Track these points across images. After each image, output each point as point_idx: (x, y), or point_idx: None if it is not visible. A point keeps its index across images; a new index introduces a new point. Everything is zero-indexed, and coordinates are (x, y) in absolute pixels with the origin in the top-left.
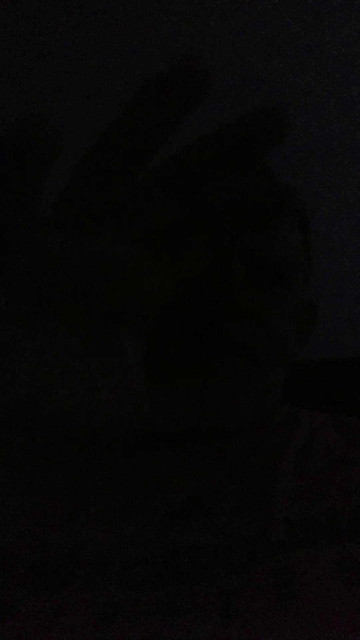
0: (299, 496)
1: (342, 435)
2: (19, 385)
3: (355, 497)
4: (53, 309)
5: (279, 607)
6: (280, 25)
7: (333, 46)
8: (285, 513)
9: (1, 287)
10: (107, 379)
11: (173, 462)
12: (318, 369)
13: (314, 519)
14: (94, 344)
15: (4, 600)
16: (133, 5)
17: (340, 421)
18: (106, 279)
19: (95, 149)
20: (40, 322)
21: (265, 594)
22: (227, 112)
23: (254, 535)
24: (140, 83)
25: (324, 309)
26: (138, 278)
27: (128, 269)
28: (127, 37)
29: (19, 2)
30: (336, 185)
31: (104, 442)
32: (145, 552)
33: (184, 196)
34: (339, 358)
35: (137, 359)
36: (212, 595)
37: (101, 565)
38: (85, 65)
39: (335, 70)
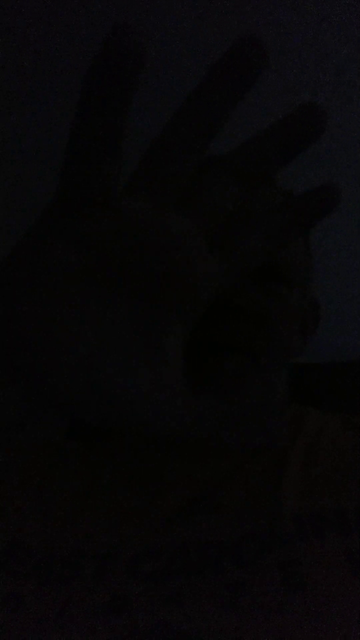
0: (306, 492)
1: (349, 432)
2: (63, 351)
3: None
4: (112, 281)
5: (286, 597)
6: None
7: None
8: (292, 508)
9: (75, 245)
10: (145, 362)
11: (182, 457)
12: (324, 371)
13: (321, 513)
14: (139, 325)
15: (13, 591)
16: None
17: (347, 419)
18: (168, 255)
19: (170, 125)
20: (97, 293)
21: (273, 585)
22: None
23: (262, 530)
24: (210, 66)
25: (328, 310)
26: (196, 261)
27: (189, 249)
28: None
29: None
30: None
31: (135, 432)
32: (154, 545)
33: (245, 183)
34: (346, 360)
35: (177, 350)
36: (220, 586)
37: (109, 558)
38: None
39: (337, 72)
